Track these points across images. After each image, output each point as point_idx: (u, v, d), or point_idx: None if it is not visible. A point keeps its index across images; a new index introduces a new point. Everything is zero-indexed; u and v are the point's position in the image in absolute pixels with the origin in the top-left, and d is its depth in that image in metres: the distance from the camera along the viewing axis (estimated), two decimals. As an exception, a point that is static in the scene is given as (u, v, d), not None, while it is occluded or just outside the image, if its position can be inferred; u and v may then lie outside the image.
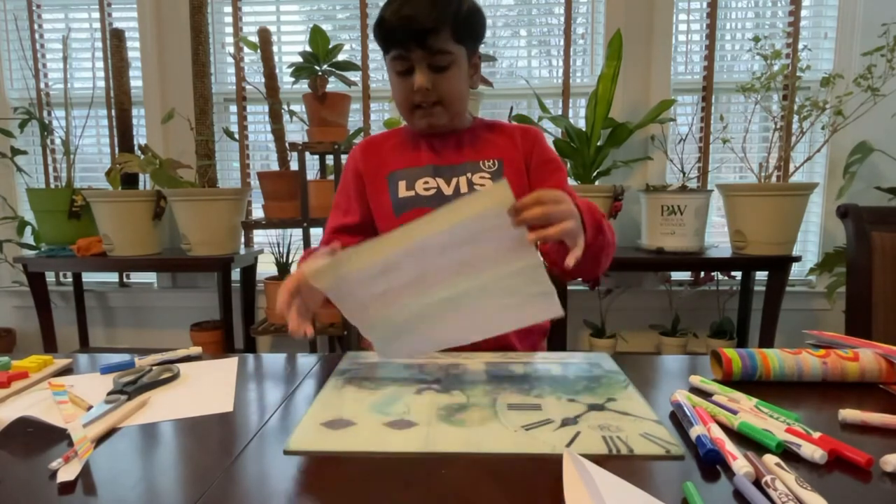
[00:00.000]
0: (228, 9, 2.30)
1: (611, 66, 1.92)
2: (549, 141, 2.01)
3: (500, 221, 0.61)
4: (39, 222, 2.17)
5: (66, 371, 0.82)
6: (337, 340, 2.21)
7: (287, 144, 2.04)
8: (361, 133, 2.16)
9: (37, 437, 0.59)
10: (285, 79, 2.06)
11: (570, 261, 0.66)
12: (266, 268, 2.31)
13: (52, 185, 2.38)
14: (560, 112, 2.24)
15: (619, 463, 0.51)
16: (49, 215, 2.13)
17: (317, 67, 1.89)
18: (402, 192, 0.94)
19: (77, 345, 2.39)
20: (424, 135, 0.97)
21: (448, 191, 0.93)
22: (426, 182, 0.94)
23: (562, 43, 2.23)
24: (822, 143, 1.97)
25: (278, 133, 2.08)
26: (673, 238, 1.93)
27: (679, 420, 0.59)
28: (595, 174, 2.03)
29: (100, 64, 2.34)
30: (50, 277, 2.38)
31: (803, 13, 2.15)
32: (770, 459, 0.49)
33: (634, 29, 2.13)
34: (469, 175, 0.94)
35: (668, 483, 0.48)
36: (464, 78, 0.91)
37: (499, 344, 0.91)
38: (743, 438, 0.55)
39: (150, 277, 2.47)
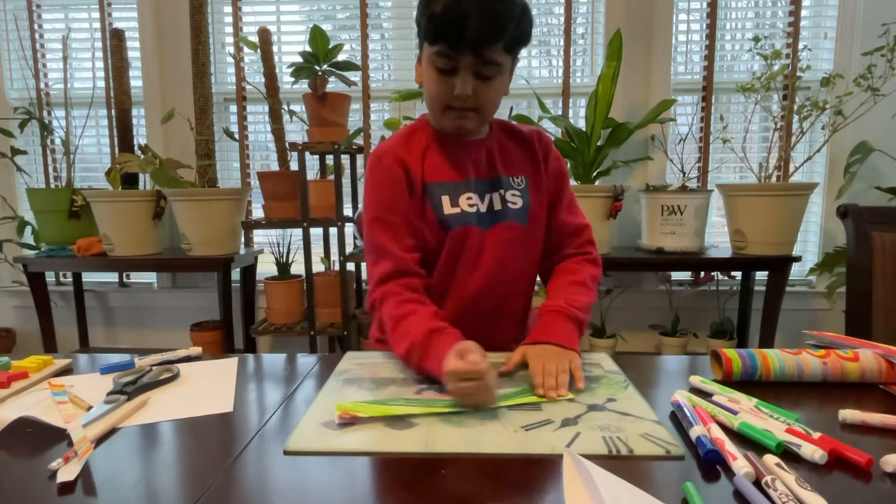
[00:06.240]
0: (228, 9, 2.30)
1: (611, 66, 1.92)
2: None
3: None
4: (39, 222, 2.17)
5: (65, 371, 0.82)
6: (337, 340, 2.21)
7: (287, 144, 2.04)
8: (361, 133, 2.16)
9: (37, 437, 0.59)
10: (285, 79, 2.05)
11: (581, 384, 0.72)
12: (266, 268, 2.31)
13: (52, 185, 2.38)
14: (560, 112, 2.24)
15: (619, 463, 0.51)
16: (49, 215, 2.13)
17: (317, 67, 1.89)
18: (448, 208, 0.88)
19: (77, 345, 2.39)
20: (454, 141, 0.92)
21: (482, 206, 0.90)
22: (469, 198, 0.89)
23: (562, 43, 2.23)
24: (822, 143, 1.97)
25: (278, 133, 2.08)
26: (673, 238, 1.93)
27: (679, 420, 0.59)
28: (595, 174, 2.03)
29: (100, 64, 2.34)
30: (50, 277, 2.38)
31: (803, 13, 2.15)
32: (770, 459, 0.49)
33: (634, 29, 2.13)
34: (502, 192, 0.91)
35: (668, 483, 0.48)
36: (505, 86, 0.87)
37: (498, 346, 0.91)
38: (743, 438, 0.55)
39: (150, 277, 2.47)
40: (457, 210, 0.88)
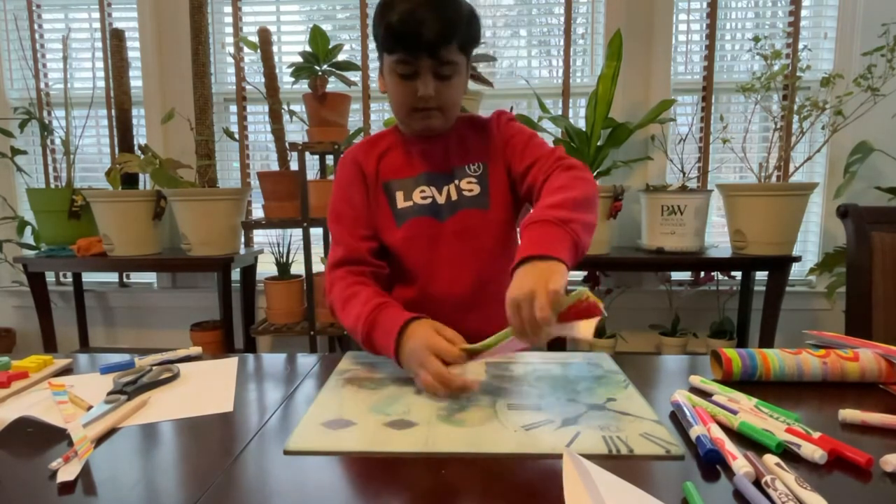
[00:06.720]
0: (228, 9, 2.30)
1: (611, 66, 1.91)
2: (548, 140, 2.01)
3: None
4: (39, 222, 2.17)
5: (66, 371, 0.82)
6: (337, 340, 2.21)
7: (287, 144, 2.04)
8: (361, 133, 2.16)
9: (37, 437, 0.59)
10: (285, 79, 2.06)
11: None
12: (266, 268, 2.31)
13: (52, 185, 2.38)
14: (560, 112, 2.24)
15: (619, 463, 0.51)
16: (49, 215, 2.13)
17: (317, 67, 1.89)
18: (401, 202, 0.93)
19: (77, 345, 2.39)
20: (415, 140, 0.96)
21: (440, 199, 0.93)
22: (422, 191, 0.93)
23: (562, 43, 2.23)
24: (822, 143, 1.97)
25: (278, 133, 2.08)
26: (673, 238, 1.93)
27: (679, 420, 0.59)
28: (595, 174, 2.03)
29: (100, 64, 2.34)
30: (50, 277, 2.38)
31: (803, 13, 2.15)
32: (770, 459, 0.49)
33: (634, 29, 2.13)
34: (457, 182, 0.94)
35: (668, 483, 0.48)
36: (464, 85, 0.92)
37: (486, 336, 0.91)
38: (743, 438, 0.55)
39: (150, 277, 2.47)
40: (409, 203, 0.93)
